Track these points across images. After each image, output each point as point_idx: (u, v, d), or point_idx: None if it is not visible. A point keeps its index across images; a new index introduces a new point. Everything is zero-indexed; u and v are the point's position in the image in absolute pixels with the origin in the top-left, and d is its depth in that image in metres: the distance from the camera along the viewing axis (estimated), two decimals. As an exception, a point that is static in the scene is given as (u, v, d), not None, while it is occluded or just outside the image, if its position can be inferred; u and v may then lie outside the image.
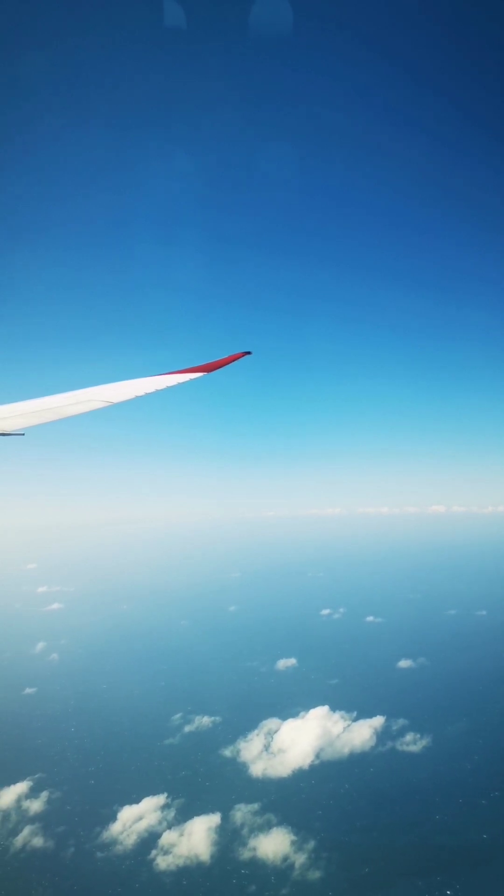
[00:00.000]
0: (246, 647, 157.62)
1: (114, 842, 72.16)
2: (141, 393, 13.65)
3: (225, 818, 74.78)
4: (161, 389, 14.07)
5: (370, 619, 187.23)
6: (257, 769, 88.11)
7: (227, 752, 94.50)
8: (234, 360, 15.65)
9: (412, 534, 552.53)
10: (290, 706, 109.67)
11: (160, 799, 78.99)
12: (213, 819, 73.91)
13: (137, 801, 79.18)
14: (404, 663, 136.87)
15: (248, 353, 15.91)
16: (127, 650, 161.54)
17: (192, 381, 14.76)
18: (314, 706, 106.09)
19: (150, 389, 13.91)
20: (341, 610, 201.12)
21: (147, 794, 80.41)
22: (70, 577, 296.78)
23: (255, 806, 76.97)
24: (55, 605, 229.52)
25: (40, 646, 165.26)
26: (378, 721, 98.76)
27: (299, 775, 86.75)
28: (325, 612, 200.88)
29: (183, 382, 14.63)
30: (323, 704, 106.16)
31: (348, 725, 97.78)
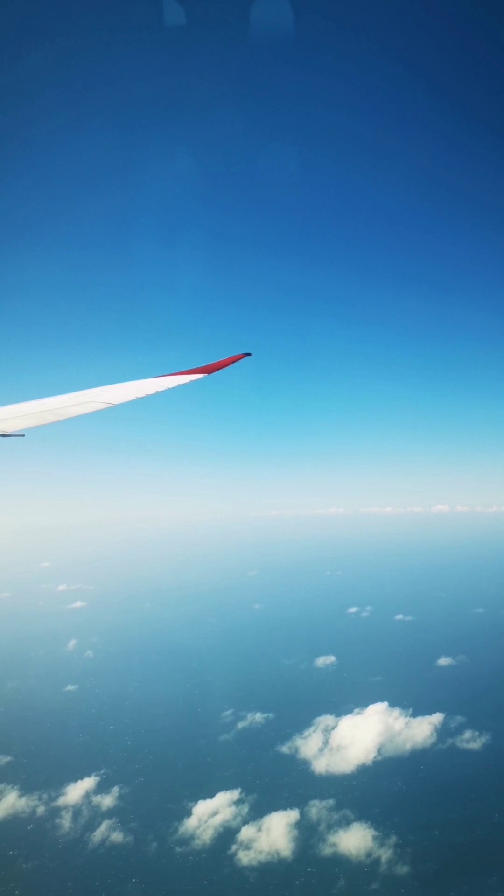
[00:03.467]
0: (279, 645, 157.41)
1: (191, 837, 72.00)
2: (142, 394, 13.64)
3: (301, 814, 74.66)
4: (162, 391, 14.08)
5: (399, 616, 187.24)
6: (320, 765, 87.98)
7: (285, 749, 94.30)
8: (234, 362, 15.73)
9: (420, 533, 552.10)
10: (340, 703, 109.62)
11: (233, 794, 78.82)
12: (291, 815, 73.73)
13: (206, 796, 78.92)
14: (444, 661, 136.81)
15: (249, 354, 15.96)
16: (157, 647, 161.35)
17: (193, 382, 14.80)
18: (364, 703, 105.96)
19: (151, 391, 13.91)
20: (368, 608, 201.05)
21: (214, 791, 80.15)
22: (86, 575, 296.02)
23: (330, 801, 76.80)
24: (78, 603, 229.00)
25: (72, 643, 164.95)
26: (437, 718, 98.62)
27: (363, 771, 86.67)
28: (353, 609, 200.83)
29: (184, 384, 14.65)
30: (372, 702, 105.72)
31: (408, 722, 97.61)
